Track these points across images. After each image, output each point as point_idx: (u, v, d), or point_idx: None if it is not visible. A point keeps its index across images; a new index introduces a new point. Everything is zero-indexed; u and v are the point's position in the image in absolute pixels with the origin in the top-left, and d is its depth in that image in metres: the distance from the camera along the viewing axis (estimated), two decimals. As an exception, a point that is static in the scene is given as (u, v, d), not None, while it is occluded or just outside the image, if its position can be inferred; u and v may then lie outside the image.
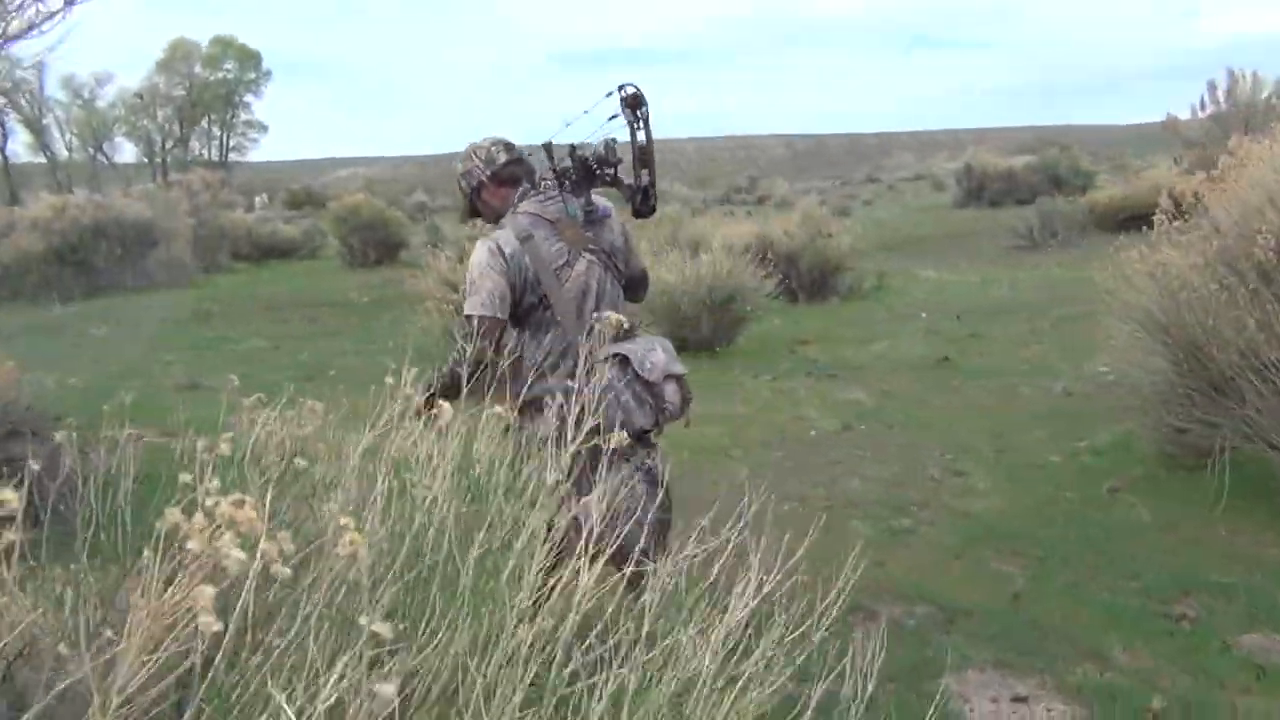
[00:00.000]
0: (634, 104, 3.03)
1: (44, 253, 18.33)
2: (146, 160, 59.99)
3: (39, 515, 1.56)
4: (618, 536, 1.87)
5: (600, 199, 3.24)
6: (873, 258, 15.52)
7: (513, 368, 2.90)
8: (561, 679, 1.60)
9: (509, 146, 3.33)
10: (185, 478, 1.46)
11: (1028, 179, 24.93)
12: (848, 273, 14.02)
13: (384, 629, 1.27)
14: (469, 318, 3.06)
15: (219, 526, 1.15)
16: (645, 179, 3.10)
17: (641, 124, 3.05)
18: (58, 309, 16.82)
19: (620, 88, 3.01)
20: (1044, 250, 17.90)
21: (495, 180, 3.27)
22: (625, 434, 2.13)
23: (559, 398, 2.13)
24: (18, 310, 17.07)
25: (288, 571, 1.23)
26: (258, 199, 49.30)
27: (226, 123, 62.16)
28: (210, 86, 60.54)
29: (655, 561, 1.84)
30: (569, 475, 1.98)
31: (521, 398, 2.43)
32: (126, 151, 60.94)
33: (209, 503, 1.20)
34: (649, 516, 2.01)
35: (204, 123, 61.75)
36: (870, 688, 1.73)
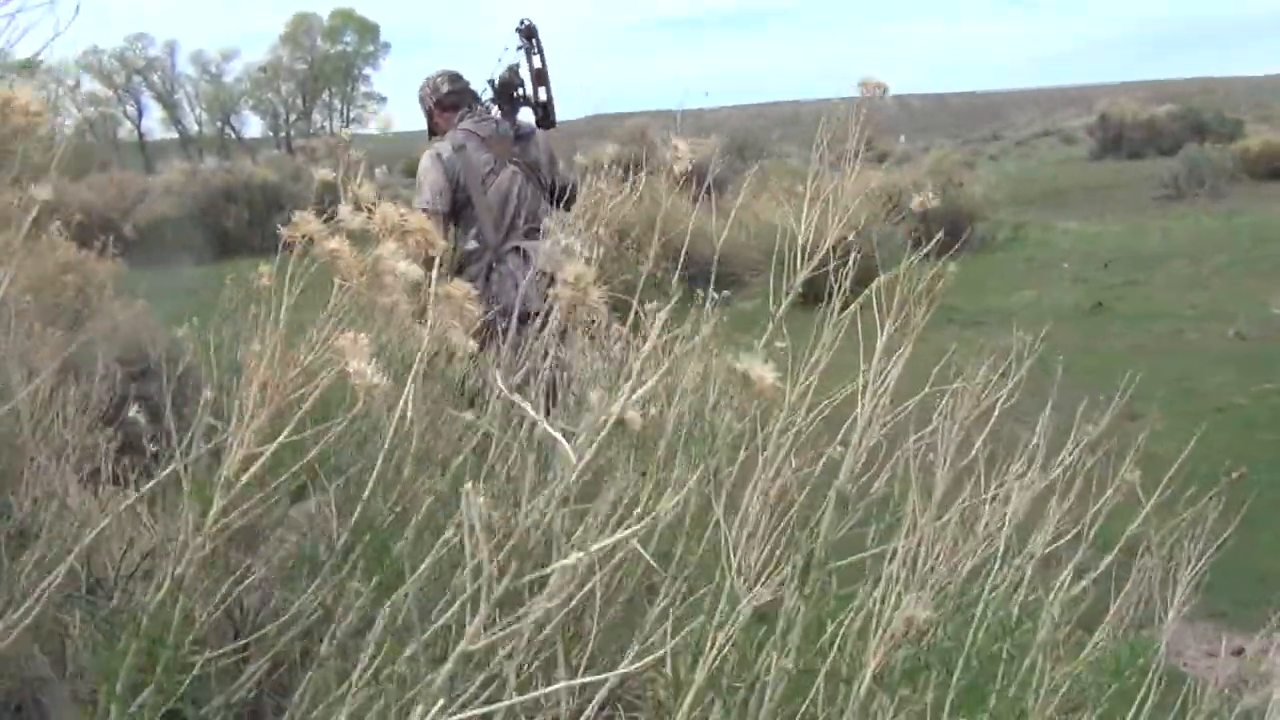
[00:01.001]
0: (529, 34, 3.59)
1: (176, 217, 18.86)
2: (272, 133, 61.74)
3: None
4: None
5: (527, 120, 3.81)
6: (1007, 210, 14.79)
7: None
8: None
9: (454, 78, 3.90)
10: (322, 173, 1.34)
11: (1169, 128, 23.47)
12: (982, 224, 13.35)
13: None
14: (422, 211, 3.42)
15: (376, 231, 0.96)
16: (544, 96, 3.72)
17: (537, 50, 3.65)
18: (188, 270, 17.28)
19: (521, 22, 3.60)
20: (1191, 200, 16.80)
21: (440, 106, 3.85)
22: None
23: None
24: (153, 272, 17.63)
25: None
26: (378, 170, 50.15)
27: (346, 95, 63.43)
28: (330, 59, 61.80)
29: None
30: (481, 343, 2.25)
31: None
32: (253, 125, 62.90)
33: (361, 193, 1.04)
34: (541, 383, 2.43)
35: (325, 95, 63.15)
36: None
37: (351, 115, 64.01)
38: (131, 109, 60.39)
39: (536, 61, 3.63)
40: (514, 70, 3.69)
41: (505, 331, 2.56)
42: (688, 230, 9.21)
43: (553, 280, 3.06)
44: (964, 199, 12.93)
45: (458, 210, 3.69)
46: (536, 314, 3.06)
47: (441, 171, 3.67)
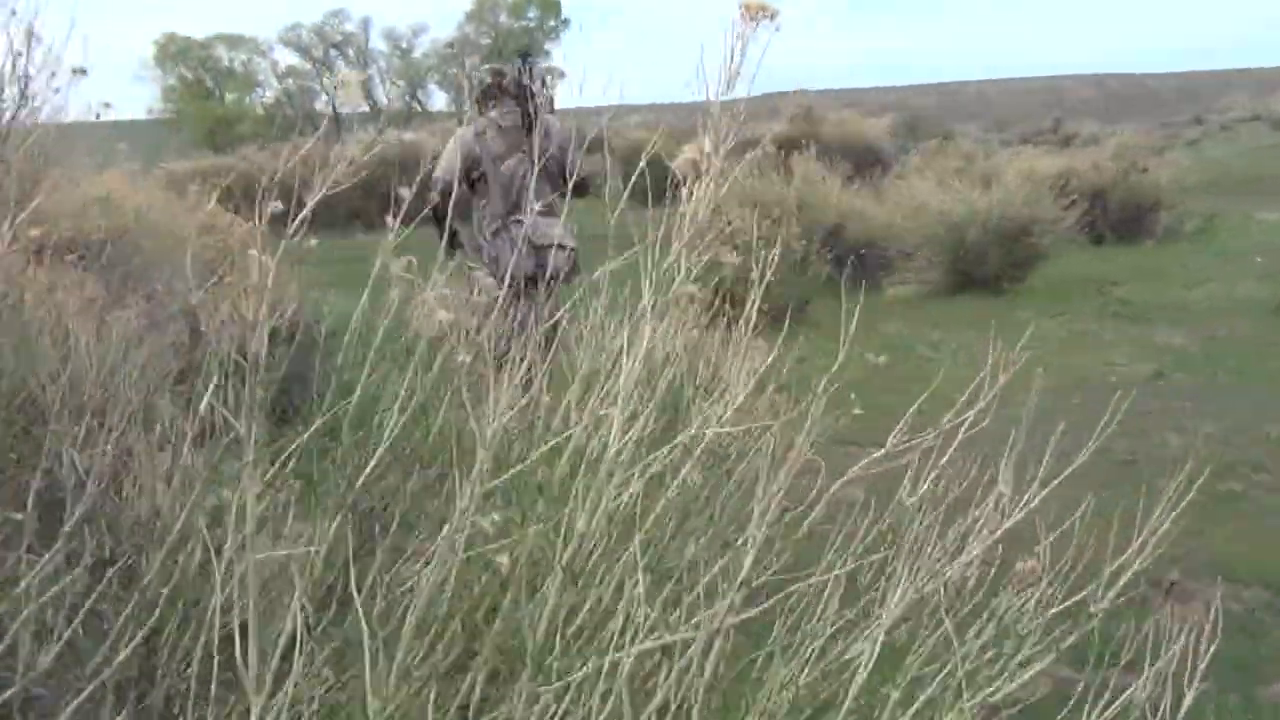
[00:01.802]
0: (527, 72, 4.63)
1: (352, 186, 19.58)
2: (455, 107, 63.52)
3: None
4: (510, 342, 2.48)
5: (551, 118, 4.49)
6: (1200, 198, 13.70)
7: (462, 217, 4.42)
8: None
9: (494, 72, 4.62)
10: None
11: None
12: (1167, 212, 12.42)
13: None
14: (435, 179, 4.44)
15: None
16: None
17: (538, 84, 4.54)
18: (360, 237, 17.97)
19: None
20: None
21: (479, 98, 4.58)
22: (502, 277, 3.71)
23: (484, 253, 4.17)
24: (328, 239, 18.35)
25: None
26: (556, 144, 51.13)
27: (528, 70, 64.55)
28: (514, 35, 63.02)
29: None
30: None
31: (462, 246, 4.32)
32: (438, 99, 64.89)
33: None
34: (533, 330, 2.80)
35: (507, 70, 64.46)
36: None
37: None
38: (327, 82, 63.20)
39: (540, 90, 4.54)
40: (519, 69, 4.67)
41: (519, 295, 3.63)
42: (840, 212, 8.70)
43: (538, 248, 4.02)
44: (1146, 186, 12.04)
45: (473, 183, 4.47)
46: (531, 275, 4.01)
47: (458, 151, 4.50)
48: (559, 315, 3.02)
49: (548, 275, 3.99)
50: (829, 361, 6.48)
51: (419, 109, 62.62)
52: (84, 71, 2.54)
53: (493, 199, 4.41)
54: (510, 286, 2.90)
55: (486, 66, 4.73)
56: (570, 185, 3.81)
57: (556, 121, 4.51)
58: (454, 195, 4.34)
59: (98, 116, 3.45)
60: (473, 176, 4.43)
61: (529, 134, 4.33)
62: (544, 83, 4.70)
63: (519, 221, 4.30)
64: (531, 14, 62.89)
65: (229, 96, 62.07)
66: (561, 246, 4.13)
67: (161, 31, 66.09)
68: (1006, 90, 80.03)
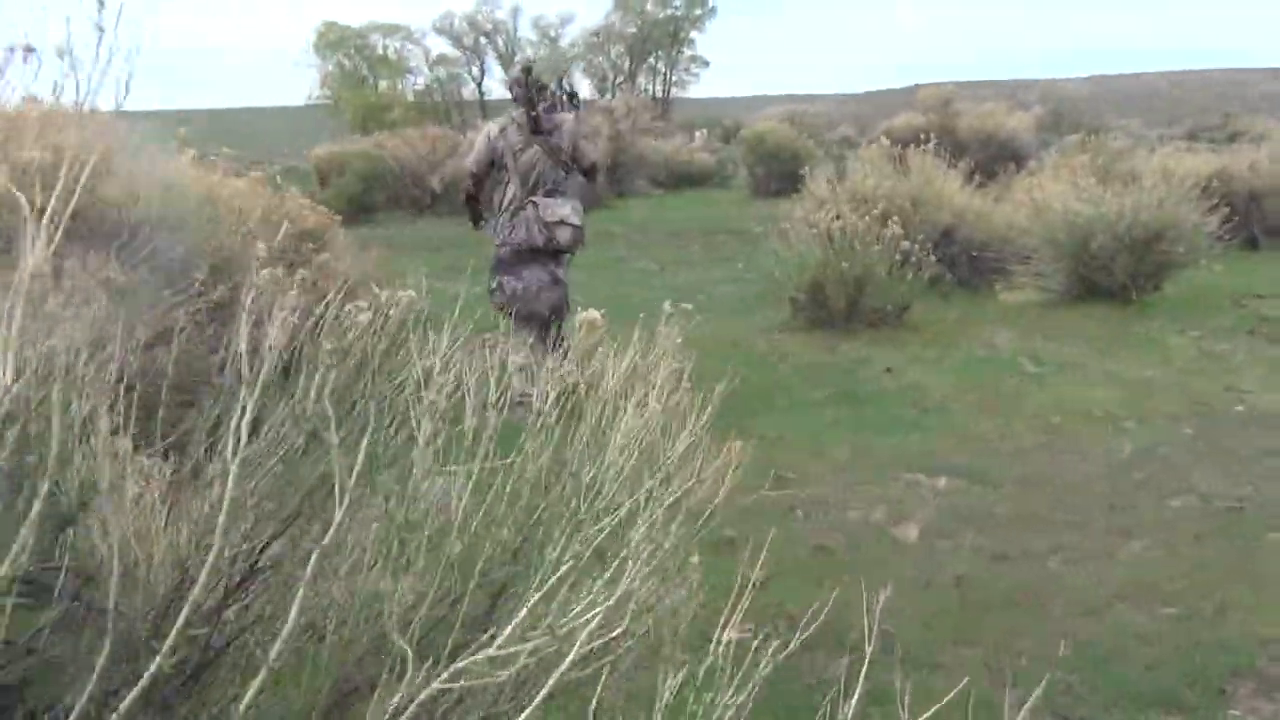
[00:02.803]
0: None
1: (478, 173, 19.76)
2: (599, 95, 63.96)
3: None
4: (528, 301, 4.88)
5: (564, 115, 5.43)
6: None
7: (471, 201, 5.65)
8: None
9: (523, 70, 5.40)
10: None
11: None
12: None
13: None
14: (465, 168, 5.69)
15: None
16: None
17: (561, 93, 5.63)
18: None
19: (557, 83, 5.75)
20: None
21: (512, 97, 5.48)
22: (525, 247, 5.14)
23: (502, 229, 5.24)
24: (451, 224, 18.61)
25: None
26: (698, 133, 50.82)
27: (671, 58, 64.55)
28: (659, 24, 63.04)
29: (553, 324, 4.92)
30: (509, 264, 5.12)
31: (488, 223, 5.47)
32: (583, 87, 65.49)
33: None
34: (547, 295, 5.10)
35: (651, 59, 64.58)
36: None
37: (674, 79, 65.20)
38: (476, 70, 64.58)
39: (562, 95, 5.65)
40: (543, 86, 5.51)
41: (525, 254, 5.19)
42: (956, 211, 8.06)
43: (548, 225, 5.16)
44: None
45: (496, 170, 5.38)
46: (541, 247, 5.14)
47: (485, 144, 5.45)
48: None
49: (557, 246, 5.17)
50: (921, 369, 6.01)
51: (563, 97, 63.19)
52: (31, 50, 2.37)
53: (513, 184, 5.27)
54: (526, 253, 5.08)
55: (514, 72, 5.61)
56: (586, 167, 5.47)
57: (569, 117, 5.46)
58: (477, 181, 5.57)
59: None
60: (495, 165, 5.38)
61: (534, 133, 5.25)
62: (560, 86, 5.67)
63: (534, 203, 5.18)
64: (677, 2, 62.79)
65: (382, 83, 63.94)
66: (567, 223, 5.19)
67: (322, 20, 68.71)
68: (1180, 82, 75.64)
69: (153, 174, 5.13)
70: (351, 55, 63.80)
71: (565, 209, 5.20)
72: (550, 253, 5.21)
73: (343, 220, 20.28)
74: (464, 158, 5.57)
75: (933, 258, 8.25)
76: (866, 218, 7.67)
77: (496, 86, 64.06)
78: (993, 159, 15.08)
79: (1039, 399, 5.70)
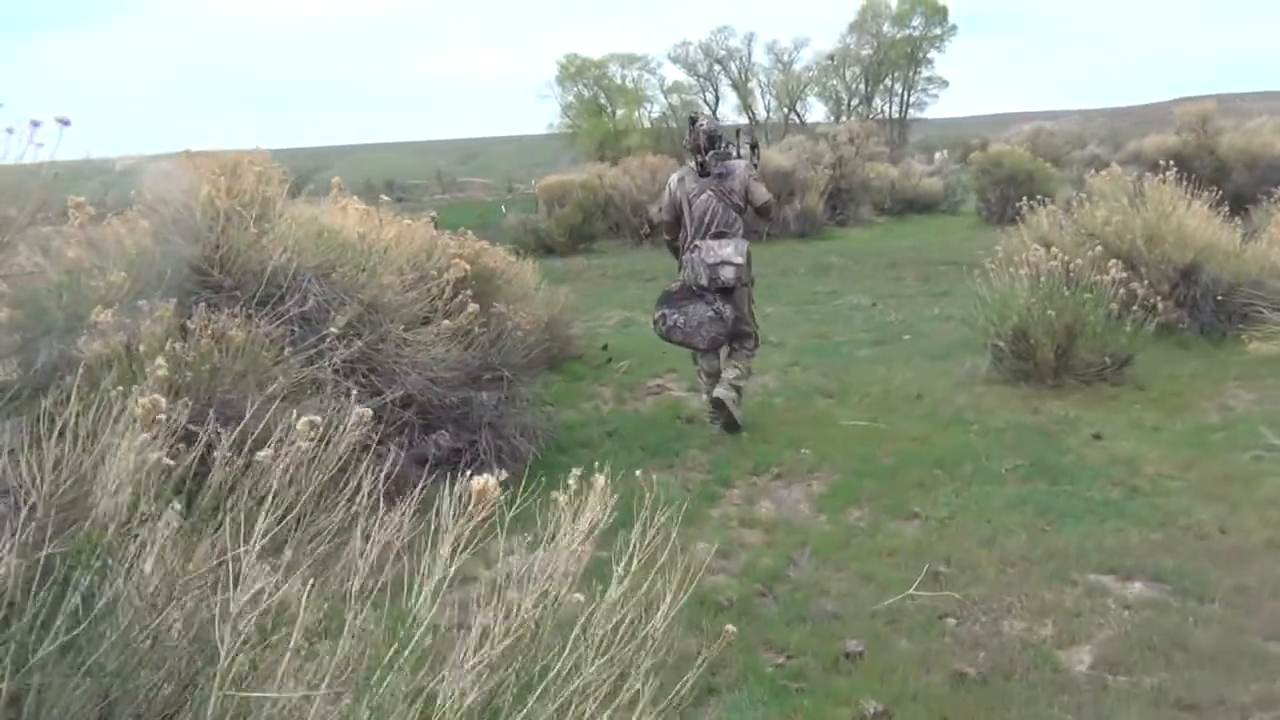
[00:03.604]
0: (736, 134, 6.18)
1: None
2: (833, 118, 63.03)
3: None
4: (689, 333, 5.73)
5: (735, 161, 5.94)
6: None
7: (671, 244, 6.15)
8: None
9: (693, 125, 5.92)
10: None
11: None
12: None
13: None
14: (658, 215, 6.36)
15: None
16: (752, 155, 6.13)
17: (748, 145, 6.16)
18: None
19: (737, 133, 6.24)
20: None
21: (688, 148, 5.90)
22: (693, 285, 5.71)
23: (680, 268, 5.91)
24: (668, 254, 18.52)
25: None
26: (938, 154, 49.16)
27: (909, 79, 62.86)
28: (896, 44, 61.50)
29: (711, 356, 5.99)
30: (674, 299, 5.79)
31: (680, 255, 5.95)
32: (816, 111, 64.75)
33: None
34: (706, 329, 5.73)
35: (887, 80, 63.10)
36: None
37: (911, 100, 63.46)
38: (710, 96, 65.09)
39: (745, 147, 6.06)
40: (713, 134, 5.94)
41: (691, 290, 5.71)
42: (1199, 247, 7.04)
43: (710, 266, 5.66)
44: None
45: (678, 216, 5.89)
46: (707, 285, 5.63)
47: (669, 193, 5.97)
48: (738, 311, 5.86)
49: (720, 284, 5.66)
50: (1136, 438, 5.07)
51: (797, 121, 62.76)
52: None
53: (688, 227, 5.85)
54: (693, 290, 5.59)
55: (714, 124, 6.22)
56: (759, 208, 5.97)
57: (740, 164, 5.98)
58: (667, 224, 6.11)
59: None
60: (677, 210, 5.91)
61: (716, 178, 5.81)
62: (725, 138, 6.00)
63: (698, 245, 5.73)
64: (916, 22, 61.01)
65: (619, 112, 65.58)
66: (729, 263, 5.66)
67: (564, 53, 71.38)
68: None
69: (309, 219, 5.13)
70: (590, 85, 65.84)
71: (727, 249, 5.68)
72: (715, 290, 5.68)
73: (564, 248, 20.63)
74: (655, 206, 6.66)
75: (1167, 302, 7.33)
76: (1090, 254, 6.84)
77: (730, 113, 64.53)
78: (1258, 184, 13.46)
79: (1278, 483, 4.81)
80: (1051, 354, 6.25)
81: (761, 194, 5.86)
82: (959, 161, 41.55)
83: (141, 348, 3.50)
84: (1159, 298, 7.30)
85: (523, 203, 27.18)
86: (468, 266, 5.16)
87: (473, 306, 5.04)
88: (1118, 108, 68.00)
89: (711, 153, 5.81)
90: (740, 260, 5.66)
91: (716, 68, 64.39)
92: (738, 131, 6.25)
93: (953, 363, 7.41)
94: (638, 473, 1.81)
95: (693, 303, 5.66)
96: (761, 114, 65.03)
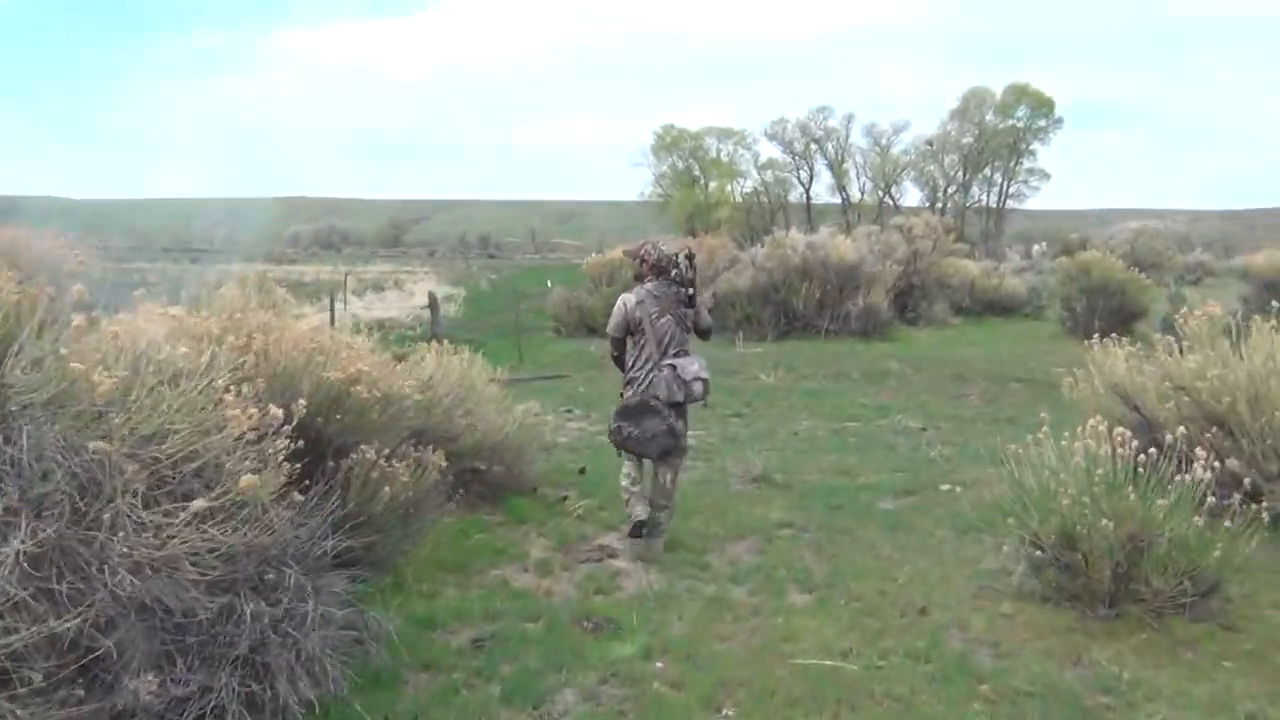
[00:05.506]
0: (689, 259, 6.26)
1: (750, 290, 18.18)
2: (928, 204, 61.31)
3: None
4: (643, 444, 5.91)
5: (684, 292, 6.18)
6: None
7: (618, 359, 6.34)
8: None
9: (687, 257, 6.20)
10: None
11: None
12: None
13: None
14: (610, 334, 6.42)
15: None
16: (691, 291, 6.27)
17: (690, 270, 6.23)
18: (739, 348, 16.38)
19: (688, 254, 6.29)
20: None
21: (650, 270, 6.16)
22: (663, 400, 5.86)
23: (637, 383, 6.02)
24: (712, 345, 17.11)
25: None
26: (1036, 247, 47.10)
27: (1009, 170, 61.00)
28: (999, 134, 59.84)
29: (660, 465, 6.07)
30: (631, 413, 5.96)
31: (626, 375, 6.16)
32: (911, 195, 63.11)
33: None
34: (659, 441, 5.89)
35: (987, 170, 61.32)
36: None
37: (1010, 190, 61.53)
38: (804, 174, 63.95)
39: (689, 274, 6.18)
40: (671, 261, 6.13)
41: (658, 404, 5.90)
42: None
43: (685, 383, 6.12)
44: None
45: (633, 334, 6.13)
46: (681, 401, 5.98)
47: (622, 313, 6.12)
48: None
49: (689, 399, 5.96)
50: None
51: (891, 204, 61.11)
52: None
53: (649, 345, 5.98)
54: (649, 405, 5.92)
55: (661, 253, 6.22)
56: (703, 330, 6.29)
57: (708, 296, 8.07)
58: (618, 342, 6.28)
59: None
60: (630, 329, 6.10)
61: (689, 306, 6.07)
62: (690, 264, 6.17)
63: (672, 365, 5.93)
64: (1020, 112, 59.21)
65: (711, 184, 64.78)
66: (700, 379, 5.93)
67: (662, 124, 71.07)
68: None
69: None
70: (685, 156, 65.23)
71: (695, 366, 5.96)
72: (672, 405, 5.92)
73: (604, 329, 19.04)
74: (609, 324, 6.33)
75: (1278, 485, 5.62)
76: (1175, 433, 5.05)
77: (824, 192, 63.18)
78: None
79: None
80: (1108, 573, 4.49)
81: (706, 319, 6.37)
82: (1056, 256, 39.37)
83: None
84: (1266, 480, 5.55)
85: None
86: (280, 412, 3.69)
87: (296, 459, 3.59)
88: (1230, 210, 64.81)
89: (675, 273, 6.11)
90: (707, 376, 6.07)
91: (813, 146, 63.32)
92: (689, 255, 6.37)
93: (985, 547, 5.71)
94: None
95: (648, 417, 5.93)
96: (855, 195, 63.68)
